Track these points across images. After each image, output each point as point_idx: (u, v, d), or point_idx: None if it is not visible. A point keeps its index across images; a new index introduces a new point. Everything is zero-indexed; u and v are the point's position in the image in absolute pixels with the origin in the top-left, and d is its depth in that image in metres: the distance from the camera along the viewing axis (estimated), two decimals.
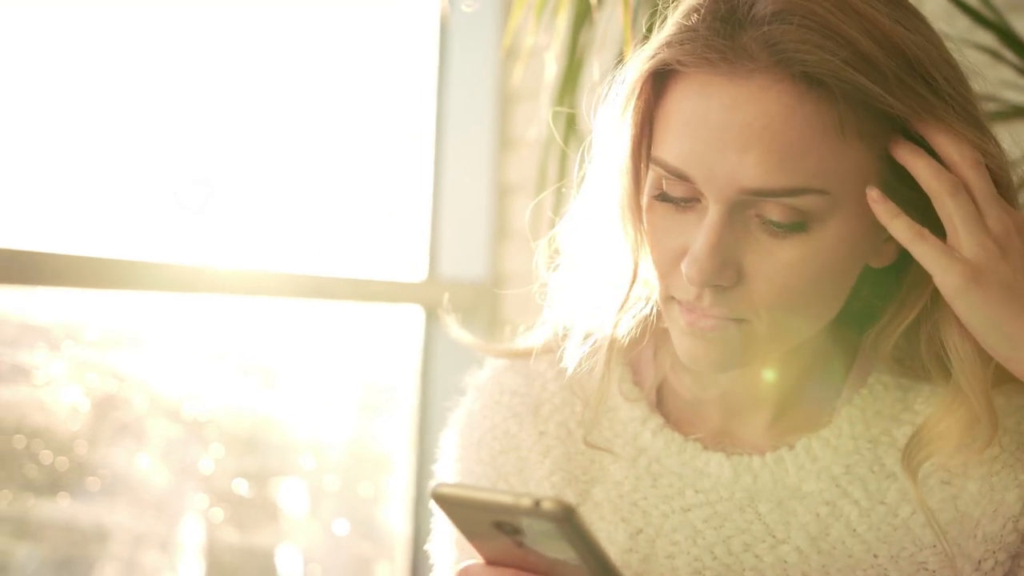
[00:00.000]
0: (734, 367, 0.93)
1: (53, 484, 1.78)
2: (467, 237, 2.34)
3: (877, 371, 1.01)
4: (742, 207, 0.87)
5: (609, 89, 0.95)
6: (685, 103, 0.87)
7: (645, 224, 0.93)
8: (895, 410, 1.00)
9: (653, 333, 1.03)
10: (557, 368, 1.06)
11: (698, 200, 0.89)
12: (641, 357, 1.07)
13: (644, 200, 0.92)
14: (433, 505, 0.77)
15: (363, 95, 2.24)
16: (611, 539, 1.00)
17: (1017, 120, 1.47)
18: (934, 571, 0.94)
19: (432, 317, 2.30)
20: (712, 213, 0.87)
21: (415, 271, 2.34)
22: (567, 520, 0.70)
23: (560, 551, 0.73)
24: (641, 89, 0.90)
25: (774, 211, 0.86)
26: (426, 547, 1.11)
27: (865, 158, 0.87)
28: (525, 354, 1.09)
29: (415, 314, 2.32)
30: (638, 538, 1.00)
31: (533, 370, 1.08)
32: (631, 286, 0.95)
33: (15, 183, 1.70)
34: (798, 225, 0.87)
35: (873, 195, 0.88)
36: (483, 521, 0.74)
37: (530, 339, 1.10)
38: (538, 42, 1.53)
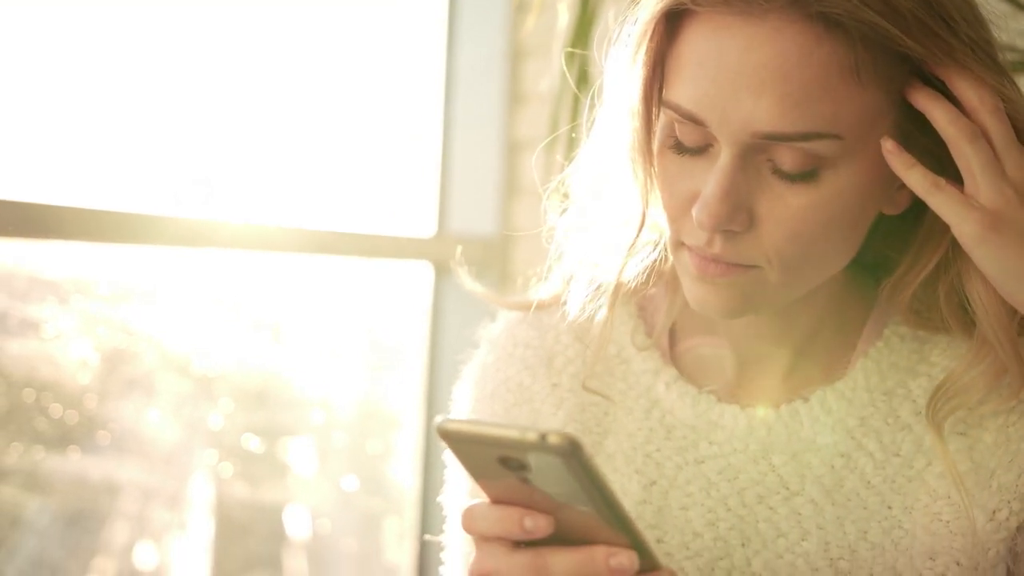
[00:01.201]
0: (744, 314, 0.92)
1: (63, 438, 1.79)
2: (477, 193, 2.33)
3: (893, 323, 1.00)
4: (755, 152, 0.86)
5: (620, 30, 0.93)
6: (698, 44, 0.85)
7: (656, 168, 0.91)
8: (911, 362, 0.99)
9: (665, 284, 1.03)
10: (570, 320, 1.05)
11: (710, 145, 0.88)
12: (655, 310, 1.06)
13: (655, 144, 0.91)
14: (441, 444, 0.75)
15: (373, 50, 2.23)
16: (625, 490, 1.00)
17: None
18: (948, 522, 0.94)
19: (441, 273, 2.30)
20: (724, 157, 0.86)
21: (424, 227, 2.34)
22: (573, 454, 0.70)
23: (566, 488, 0.73)
24: (654, 30, 0.88)
25: (787, 156, 0.85)
26: (438, 499, 1.11)
27: (881, 102, 0.85)
28: (537, 306, 1.08)
29: (424, 270, 2.31)
30: (652, 489, 0.99)
31: (546, 322, 1.08)
32: (639, 230, 0.94)
33: (23, 135, 1.69)
34: (811, 170, 0.85)
35: (888, 146, 0.87)
36: (489, 457, 0.73)
37: (542, 291, 1.09)
38: None
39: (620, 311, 1.06)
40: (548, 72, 1.98)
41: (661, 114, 0.90)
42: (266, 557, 2.16)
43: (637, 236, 0.95)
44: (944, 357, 0.98)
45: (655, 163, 0.91)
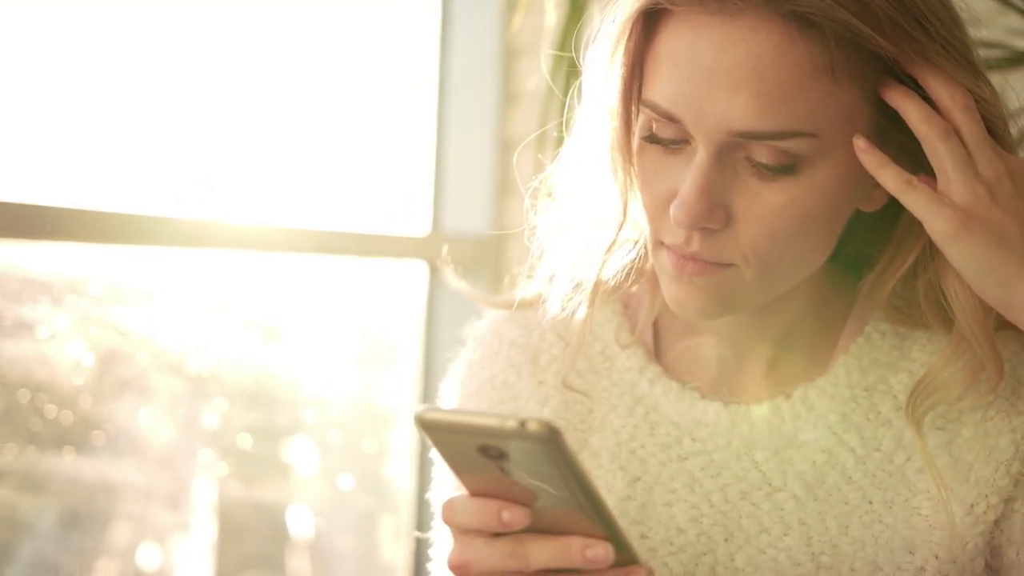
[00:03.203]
0: (722, 314, 0.92)
1: (58, 438, 1.79)
2: (471, 191, 2.34)
3: (874, 319, 1.01)
4: (731, 149, 0.86)
5: (599, 29, 0.94)
6: (675, 44, 0.86)
7: (635, 167, 0.92)
8: (892, 358, 0.99)
9: (647, 282, 1.03)
10: (553, 318, 1.05)
11: (687, 142, 0.88)
12: (638, 307, 1.06)
13: (635, 143, 0.91)
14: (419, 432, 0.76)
15: (365, 49, 2.23)
16: (609, 487, 1.00)
17: None
18: (927, 516, 0.94)
19: (435, 272, 2.30)
20: (700, 155, 0.86)
21: (419, 226, 2.34)
22: (552, 441, 0.70)
23: (545, 478, 0.73)
24: (631, 29, 0.89)
25: (763, 153, 0.85)
26: (427, 496, 1.12)
27: (856, 101, 0.86)
28: (521, 304, 1.09)
29: (418, 269, 2.32)
30: (636, 486, 1.00)
31: (532, 320, 1.08)
32: (620, 228, 0.95)
33: (16, 136, 1.70)
34: (787, 168, 0.86)
35: (860, 144, 0.87)
36: (468, 446, 0.73)
37: (528, 289, 1.09)
38: None
39: (604, 309, 1.06)
40: (539, 70, 1.99)
41: (640, 113, 0.90)
42: (262, 556, 2.16)
43: (617, 234, 0.95)
44: (924, 353, 0.99)
45: (634, 161, 0.92)
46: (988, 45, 1.42)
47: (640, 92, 0.90)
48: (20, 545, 1.76)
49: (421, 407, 0.75)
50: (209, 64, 1.93)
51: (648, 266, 1.01)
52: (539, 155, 1.10)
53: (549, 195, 1.02)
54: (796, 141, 0.85)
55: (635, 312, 1.07)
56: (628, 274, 1.00)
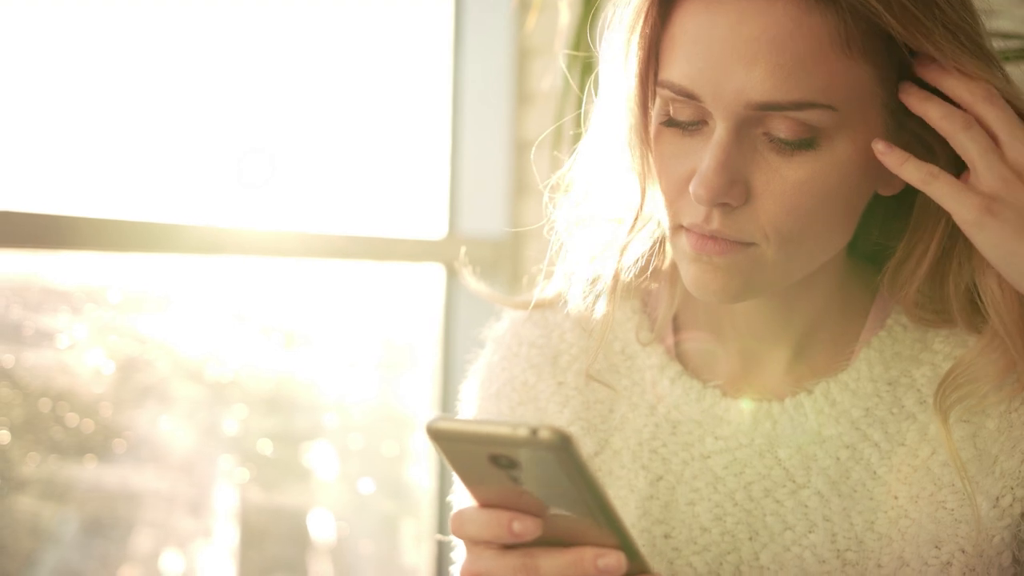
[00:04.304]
0: (742, 297, 0.91)
1: (79, 447, 1.80)
2: (486, 193, 2.33)
3: (896, 312, 1.00)
4: (750, 125, 0.87)
5: (614, 15, 0.94)
6: (691, 23, 0.87)
7: (653, 152, 0.92)
8: (914, 350, 0.99)
9: (666, 279, 1.03)
10: (575, 318, 1.05)
11: (705, 123, 0.88)
12: (657, 306, 1.06)
13: (652, 128, 0.91)
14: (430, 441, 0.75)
15: (380, 54, 2.23)
16: (631, 487, 1.00)
17: None
18: (952, 510, 0.93)
19: (453, 275, 2.30)
20: (720, 130, 0.86)
21: (436, 229, 2.34)
22: (564, 449, 0.69)
23: (556, 487, 0.72)
24: (647, 13, 0.89)
25: (782, 127, 0.86)
26: (448, 499, 1.12)
27: (872, 79, 0.86)
28: (541, 304, 1.08)
29: (436, 272, 2.32)
30: (658, 485, 0.99)
31: (551, 321, 1.08)
32: (637, 216, 0.94)
33: (34, 147, 1.70)
34: (806, 142, 0.86)
35: (879, 147, 0.87)
36: (479, 456, 0.72)
37: (547, 289, 1.09)
38: None
39: (624, 307, 1.06)
40: (554, 71, 1.98)
41: (657, 98, 0.91)
42: (284, 561, 2.16)
43: (635, 222, 0.95)
44: (947, 345, 0.98)
45: (652, 146, 0.92)
46: (1005, 36, 1.41)
47: (656, 76, 0.90)
48: (43, 553, 1.77)
49: (431, 417, 0.74)
50: (225, 71, 1.94)
51: (666, 265, 1.00)
52: (555, 152, 1.10)
53: (566, 190, 1.02)
54: (814, 112, 0.85)
55: (654, 311, 1.06)
56: (646, 270, 0.99)
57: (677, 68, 0.87)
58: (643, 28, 0.90)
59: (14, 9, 1.66)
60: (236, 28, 1.97)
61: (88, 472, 1.82)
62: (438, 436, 0.73)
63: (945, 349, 0.98)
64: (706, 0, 0.86)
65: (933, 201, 0.89)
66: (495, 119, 2.33)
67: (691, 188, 0.87)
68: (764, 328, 0.99)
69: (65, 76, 1.73)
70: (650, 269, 0.98)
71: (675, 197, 0.90)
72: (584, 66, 1.39)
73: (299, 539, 2.17)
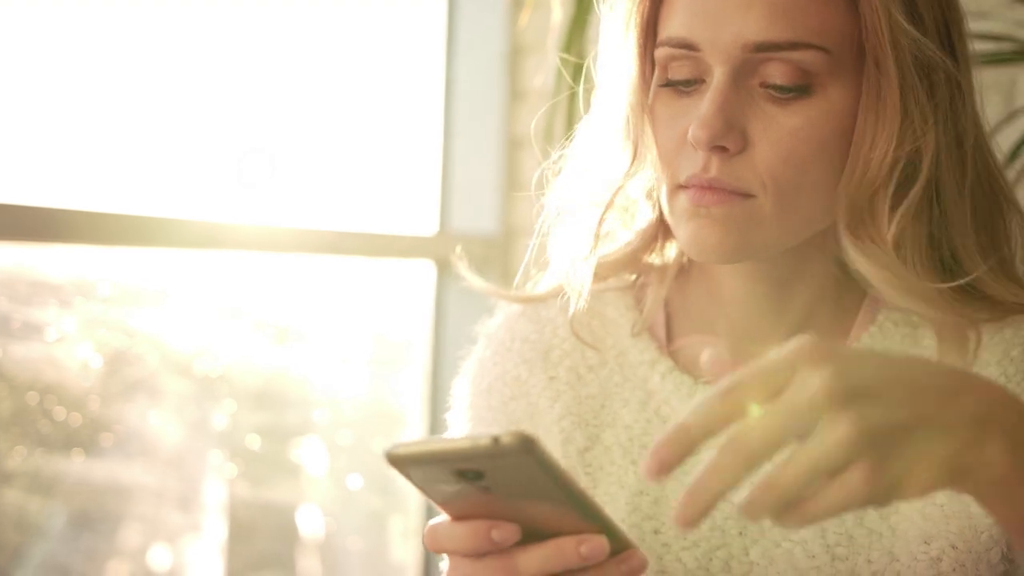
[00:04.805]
0: (738, 254, 0.92)
1: (67, 440, 1.79)
2: (477, 190, 2.33)
3: (887, 308, 1.00)
4: (746, 73, 0.89)
5: None
6: None
7: (648, 117, 0.95)
8: (904, 346, 0.99)
9: (655, 272, 1.04)
10: (567, 313, 1.05)
11: (702, 80, 0.91)
12: (648, 299, 1.06)
13: (651, 93, 0.94)
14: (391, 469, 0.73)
15: (372, 49, 2.23)
16: (621, 483, 1.00)
17: None
18: (942, 505, 0.93)
19: (443, 271, 2.30)
20: (718, 76, 0.89)
21: (426, 225, 2.34)
22: (529, 451, 0.68)
23: (527, 488, 0.71)
24: None
25: (777, 72, 0.89)
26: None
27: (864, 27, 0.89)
28: (535, 299, 1.09)
29: (426, 269, 2.32)
30: (648, 481, 0.99)
31: (543, 316, 1.08)
32: (632, 165, 0.97)
33: (25, 139, 1.70)
34: (801, 88, 0.89)
35: None
36: (445, 474, 0.71)
37: (541, 284, 1.09)
38: None
39: (616, 304, 1.06)
40: (546, 69, 1.98)
41: (656, 66, 0.94)
42: (272, 556, 2.16)
43: (629, 171, 0.97)
44: (935, 339, 0.98)
45: (650, 111, 0.94)
46: (997, 38, 1.42)
47: (653, 47, 0.94)
48: (30, 547, 1.76)
49: (389, 446, 0.72)
50: (217, 66, 1.93)
51: (656, 251, 1.02)
52: (547, 148, 1.10)
53: (557, 175, 1.03)
54: (808, 54, 0.88)
55: (646, 306, 1.06)
56: (631, 261, 1.02)
57: (676, 21, 0.91)
58: (640, 6, 0.94)
59: (11, 2, 1.65)
60: (230, 22, 1.96)
61: (75, 466, 1.81)
62: (399, 462, 0.71)
63: (934, 344, 0.98)
64: None
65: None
66: (487, 116, 2.33)
67: (690, 133, 0.89)
68: (757, 325, 0.99)
69: (61, 69, 1.72)
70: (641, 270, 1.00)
71: (673, 155, 0.93)
72: (575, 66, 1.39)
73: (287, 535, 2.17)
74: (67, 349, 1.79)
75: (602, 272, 1.03)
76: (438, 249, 2.30)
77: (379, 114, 2.25)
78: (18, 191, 1.66)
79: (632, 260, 1.04)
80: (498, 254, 2.29)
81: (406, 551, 2.31)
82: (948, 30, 0.93)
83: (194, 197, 1.89)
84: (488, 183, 2.33)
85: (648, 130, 0.95)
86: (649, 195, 1.01)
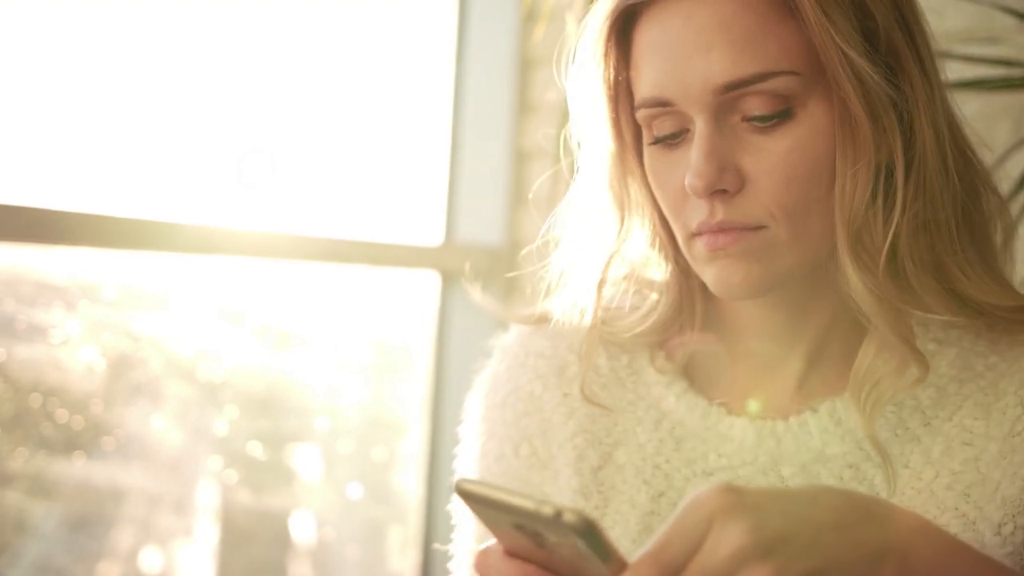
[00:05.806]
0: (766, 286, 0.93)
1: (69, 443, 1.79)
2: (484, 201, 2.33)
3: None
4: (725, 113, 0.90)
5: (576, 49, 0.98)
6: (647, 38, 0.92)
7: (637, 180, 0.96)
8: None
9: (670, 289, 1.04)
10: (580, 331, 1.05)
11: (687, 129, 0.92)
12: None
13: (644, 151, 0.95)
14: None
15: (381, 59, 2.23)
16: (633, 502, 1.00)
17: None
18: (956, 535, 0.93)
19: (448, 282, 2.30)
20: (699, 124, 0.90)
21: (432, 236, 2.34)
22: (588, 533, 0.69)
23: (578, 558, 0.72)
24: (607, 48, 0.94)
25: (755, 104, 0.89)
26: (442, 508, 1.11)
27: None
28: (546, 318, 1.08)
29: (431, 279, 2.31)
30: (660, 500, 0.99)
31: (559, 332, 1.08)
32: (622, 223, 0.98)
33: (31, 141, 1.70)
34: (782, 113, 0.90)
35: None
36: (504, 520, 0.73)
37: (551, 304, 1.09)
38: (559, 1, 1.51)
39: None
40: (556, 82, 1.98)
41: (639, 123, 0.94)
42: (270, 564, 2.16)
43: (621, 228, 0.99)
44: (952, 368, 0.98)
45: (635, 174, 0.97)
46: (1008, 63, 1.41)
47: (631, 108, 0.95)
48: (29, 549, 1.76)
49: (462, 478, 0.76)
50: (224, 72, 1.93)
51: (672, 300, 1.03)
52: (557, 164, 1.11)
53: (567, 206, 1.04)
54: (780, 80, 0.89)
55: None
56: (662, 324, 1.03)
57: (646, 82, 0.92)
58: (605, 73, 0.95)
59: (12, 4, 1.65)
60: (238, 30, 1.96)
61: (76, 469, 1.81)
62: (466, 496, 0.74)
63: (951, 372, 0.98)
64: (654, 15, 0.91)
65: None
66: (496, 128, 2.33)
67: (686, 183, 0.90)
68: (773, 348, 0.99)
69: (64, 72, 1.72)
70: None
71: (677, 207, 0.93)
72: None
73: (285, 542, 2.16)
74: (71, 351, 1.79)
75: (649, 338, 1.04)
76: (443, 260, 2.30)
77: (388, 122, 2.25)
78: (26, 193, 1.66)
79: (662, 323, 1.03)
80: (503, 266, 2.29)
81: (404, 561, 2.30)
82: (904, 19, 0.93)
83: (201, 202, 1.89)
84: (495, 195, 2.33)
85: (633, 194, 0.97)
86: (654, 245, 1.01)
